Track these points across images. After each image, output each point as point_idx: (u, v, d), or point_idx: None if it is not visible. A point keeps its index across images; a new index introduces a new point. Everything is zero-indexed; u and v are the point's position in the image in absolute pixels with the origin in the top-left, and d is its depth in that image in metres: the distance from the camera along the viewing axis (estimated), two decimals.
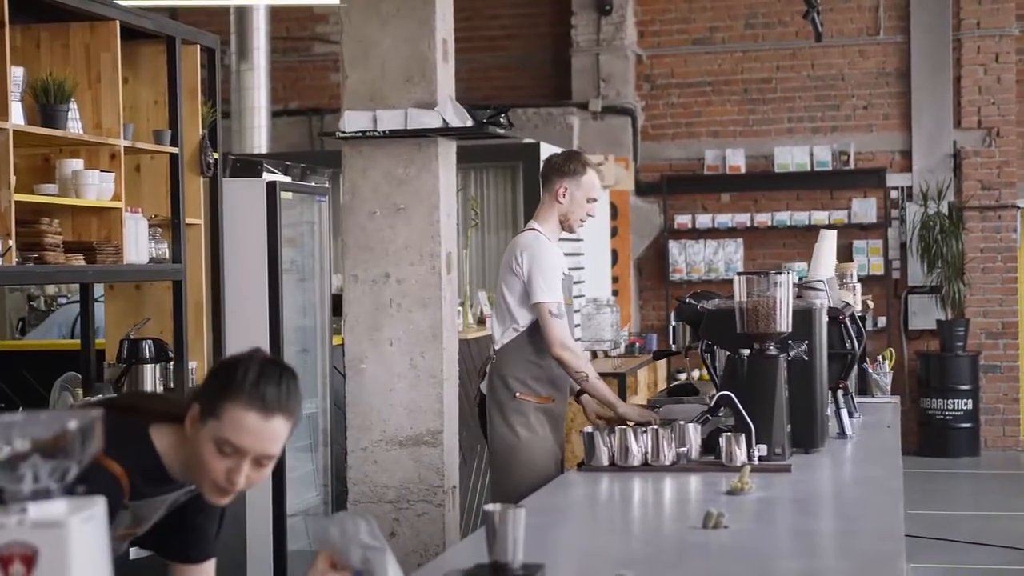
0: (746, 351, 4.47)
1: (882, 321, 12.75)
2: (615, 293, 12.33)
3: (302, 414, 2.80)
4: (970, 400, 12.48)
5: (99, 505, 1.79)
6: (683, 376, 12.18)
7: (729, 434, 4.30)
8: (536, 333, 5.23)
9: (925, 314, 12.80)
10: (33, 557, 1.72)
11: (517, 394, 5.27)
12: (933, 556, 8.51)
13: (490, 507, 2.75)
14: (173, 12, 12.76)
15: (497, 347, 5.35)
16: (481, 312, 8.25)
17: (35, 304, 9.25)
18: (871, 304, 8.65)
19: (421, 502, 5.77)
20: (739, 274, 4.54)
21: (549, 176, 5.40)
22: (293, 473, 6.68)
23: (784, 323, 4.45)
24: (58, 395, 5.84)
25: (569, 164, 5.39)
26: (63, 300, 8.51)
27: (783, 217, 12.97)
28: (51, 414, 1.79)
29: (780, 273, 4.49)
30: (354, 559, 2.51)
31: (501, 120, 6.02)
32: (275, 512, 6.38)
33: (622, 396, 9.09)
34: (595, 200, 5.42)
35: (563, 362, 5.19)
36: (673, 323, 5.23)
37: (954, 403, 12.46)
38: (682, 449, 4.37)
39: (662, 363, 11.17)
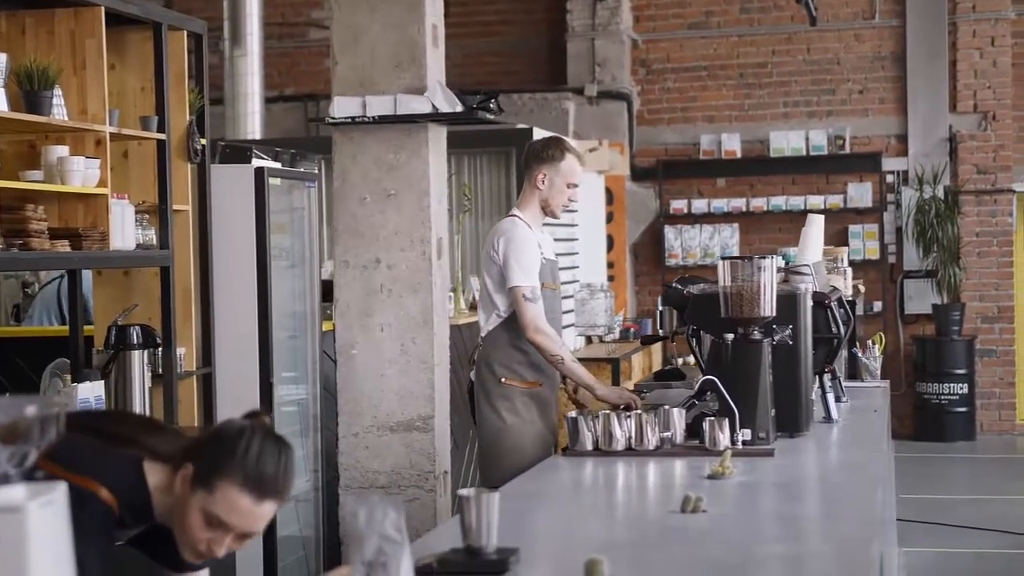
0: (730, 336, 4.47)
1: (878, 306, 12.75)
2: (611, 278, 12.33)
3: (291, 492, 2.79)
4: (966, 384, 12.48)
5: (59, 491, 1.80)
6: (679, 361, 12.19)
7: (712, 419, 4.31)
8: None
9: (921, 298, 12.80)
10: None
11: (503, 379, 5.29)
12: (927, 540, 8.52)
13: (464, 492, 2.77)
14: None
15: (483, 334, 5.39)
16: (473, 298, 8.25)
17: (29, 291, 9.24)
18: (862, 288, 8.66)
19: (412, 487, 5.78)
20: (723, 258, 4.55)
21: (529, 162, 5.42)
22: None
23: (768, 308, 4.46)
24: (48, 381, 5.84)
25: (547, 150, 5.40)
26: None
27: (779, 202, 12.96)
28: (10, 401, 1.78)
29: (764, 258, 4.49)
30: (368, 549, 2.50)
31: (491, 105, 6.01)
32: None
33: (615, 381, 9.10)
34: (576, 185, 5.42)
35: (537, 346, 5.22)
36: (660, 308, 5.23)
37: (950, 387, 12.46)
38: (666, 434, 4.38)
39: (657, 348, 11.18)
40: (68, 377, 5.63)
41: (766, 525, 3.49)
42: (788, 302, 4.63)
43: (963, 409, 12.50)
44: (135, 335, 5.54)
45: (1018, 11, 12.82)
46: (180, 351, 5.87)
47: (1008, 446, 12.51)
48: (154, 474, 2.75)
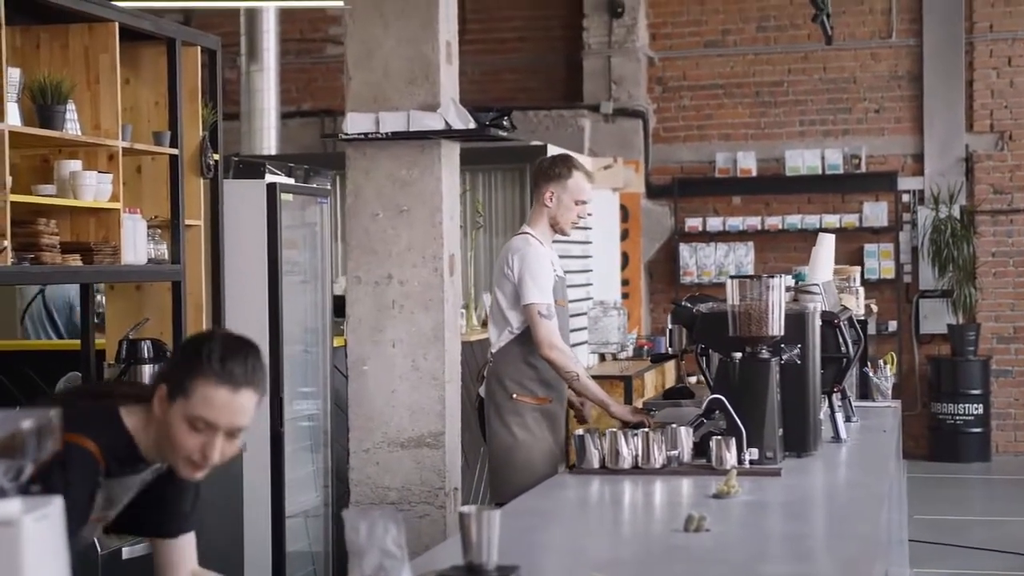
0: (738, 354, 4.47)
1: (893, 325, 12.72)
2: (626, 296, 12.33)
3: (267, 387, 2.89)
4: (981, 405, 12.43)
5: (54, 505, 1.80)
6: (693, 379, 12.15)
7: (719, 438, 4.30)
8: (531, 335, 5.29)
9: (936, 318, 12.76)
10: None
11: (514, 396, 5.34)
12: (941, 562, 8.49)
13: (465, 509, 2.77)
14: (187, 14, 12.83)
15: (494, 350, 5.44)
16: (485, 314, 8.26)
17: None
18: (874, 308, 8.63)
19: (423, 504, 5.78)
20: (732, 277, 4.55)
21: (537, 180, 5.50)
22: (294, 474, 6.69)
23: (776, 327, 4.45)
24: None
25: (555, 168, 5.46)
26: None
27: (794, 220, 12.94)
28: (4, 414, 1.79)
29: (772, 277, 4.48)
30: (368, 564, 2.52)
31: (503, 122, 6.02)
32: (274, 513, 6.40)
33: (627, 399, 9.09)
34: (584, 203, 5.48)
35: (552, 363, 5.26)
36: (670, 326, 5.24)
37: (965, 408, 12.41)
38: (673, 452, 4.37)
39: (671, 366, 11.15)
40: None
41: (769, 545, 3.48)
42: (796, 321, 4.62)
43: (978, 430, 12.45)
44: (145, 349, 5.56)
45: None
46: None
47: (1023, 467, 12.45)
48: (132, 416, 2.84)
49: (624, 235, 12.54)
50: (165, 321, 5.83)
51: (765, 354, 4.47)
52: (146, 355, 5.54)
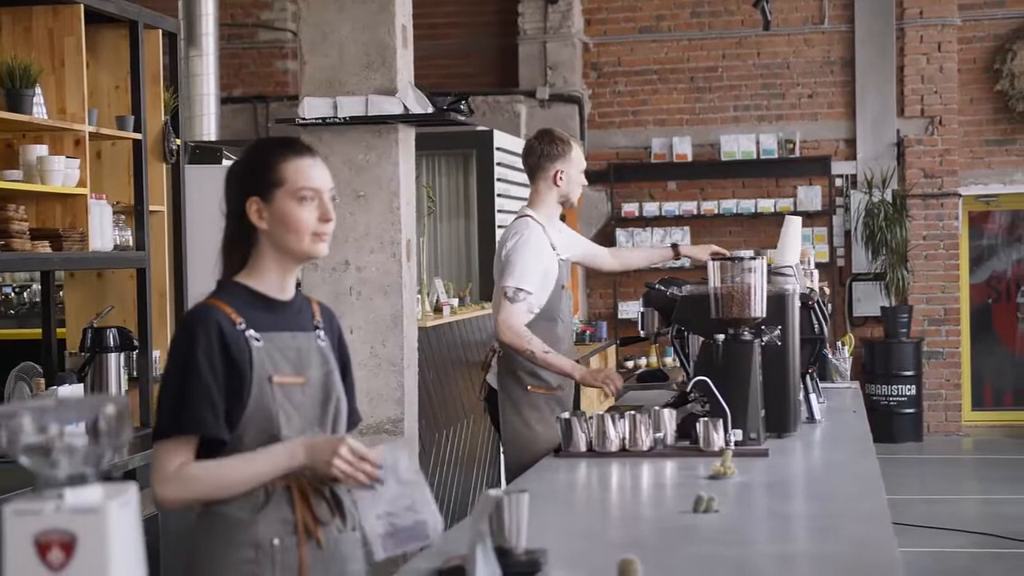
0: (721, 336, 4.48)
1: (827, 308, 12.84)
2: None
3: None
4: (913, 386, 12.62)
5: (132, 491, 1.77)
6: (630, 364, 12.23)
7: (706, 419, 4.32)
8: (540, 324, 5.19)
9: (869, 301, 12.93)
10: (72, 544, 1.70)
11: (528, 387, 5.23)
12: None
13: (494, 492, 2.75)
14: None
15: (503, 340, 5.22)
16: (438, 300, 8.23)
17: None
18: (827, 289, 8.72)
19: None
20: (713, 258, 4.56)
21: (539, 163, 5.36)
22: None
23: (758, 308, 4.47)
24: (13, 385, 5.74)
25: (555, 146, 5.37)
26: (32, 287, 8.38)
27: (729, 205, 13.03)
28: (85, 399, 1.76)
29: (754, 258, 4.50)
30: (388, 493, 2.55)
31: (462, 107, 6.01)
32: None
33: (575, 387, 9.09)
34: (583, 169, 5.49)
35: (508, 346, 5.15)
36: (641, 309, 5.22)
37: (898, 389, 12.59)
38: (658, 435, 4.38)
39: (611, 350, 11.23)
40: (38, 381, 5.54)
41: (778, 525, 3.50)
42: (776, 303, 4.65)
43: (911, 410, 12.64)
44: (111, 337, 5.47)
45: (964, 17, 12.99)
46: (155, 353, 5.81)
47: (954, 446, 12.67)
48: (242, 278, 2.97)
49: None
50: (126, 309, 5.75)
51: (747, 336, 4.49)
52: (112, 343, 5.44)
